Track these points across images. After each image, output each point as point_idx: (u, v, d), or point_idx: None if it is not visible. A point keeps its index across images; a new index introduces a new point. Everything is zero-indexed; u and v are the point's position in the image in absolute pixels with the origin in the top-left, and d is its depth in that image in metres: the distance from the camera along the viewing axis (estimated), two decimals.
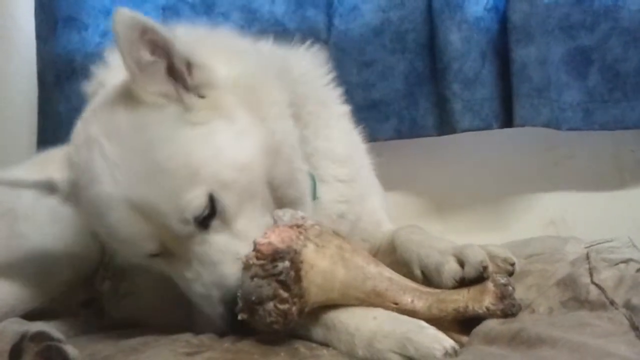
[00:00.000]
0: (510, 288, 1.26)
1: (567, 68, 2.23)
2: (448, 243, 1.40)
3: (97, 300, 1.89)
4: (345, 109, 1.75)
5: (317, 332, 1.30)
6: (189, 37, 1.45)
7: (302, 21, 2.40)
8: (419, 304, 1.26)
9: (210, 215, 1.31)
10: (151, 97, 1.31)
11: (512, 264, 1.34)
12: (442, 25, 2.24)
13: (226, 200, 1.31)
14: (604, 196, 2.40)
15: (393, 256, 1.53)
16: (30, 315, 1.68)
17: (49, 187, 1.46)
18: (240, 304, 1.24)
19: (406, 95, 2.34)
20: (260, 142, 1.38)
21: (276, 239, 1.24)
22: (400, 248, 1.50)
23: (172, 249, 1.34)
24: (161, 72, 1.32)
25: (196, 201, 1.28)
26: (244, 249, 1.28)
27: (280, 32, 2.22)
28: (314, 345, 1.27)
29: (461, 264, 1.30)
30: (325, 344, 1.27)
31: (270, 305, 1.21)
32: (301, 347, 1.26)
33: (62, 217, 1.85)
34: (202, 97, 1.35)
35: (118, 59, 1.33)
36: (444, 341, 1.13)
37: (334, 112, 1.71)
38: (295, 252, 1.23)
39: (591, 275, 1.32)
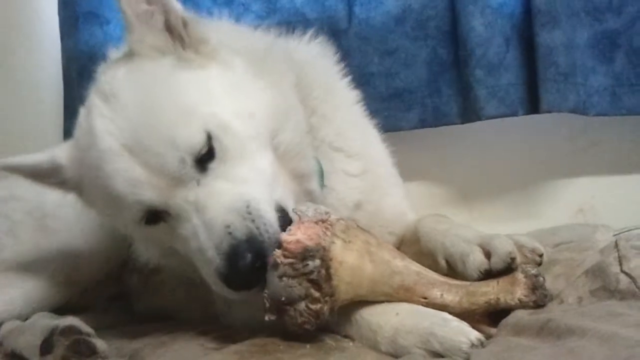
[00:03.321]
0: (541, 279, 1.25)
1: (593, 52, 2.19)
2: (474, 232, 1.38)
3: (126, 294, 1.91)
4: (356, 95, 1.71)
5: (341, 327, 1.29)
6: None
7: (323, 10, 2.38)
8: (449, 298, 1.23)
9: (208, 156, 1.29)
10: (147, 50, 1.35)
11: (541, 255, 1.32)
12: (465, 11, 2.21)
13: (226, 141, 1.29)
14: (633, 182, 2.36)
15: (417, 246, 1.51)
16: (60, 310, 1.71)
17: (51, 168, 1.45)
18: (267, 304, 1.21)
19: (429, 83, 2.32)
20: (267, 101, 1.38)
21: (303, 235, 1.21)
22: (424, 237, 1.48)
23: (170, 203, 1.30)
24: (158, 25, 1.37)
25: (193, 138, 1.27)
26: (244, 195, 1.26)
27: (301, 22, 2.22)
28: (339, 337, 1.27)
29: (487, 254, 1.28)
30: (350, 338, 1.27)
31: (301, 305, 1.19)
32: (327, 339, 1.26)
33: (89, 213, 1.87)
34: (198, 53, 1.38)
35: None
36: (469, 333, 1.11)
37: (343, 99, 1.68)
38: (325, 249, 1.20)
39: (620, 263, 1.29)
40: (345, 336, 1.28)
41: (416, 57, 2.33)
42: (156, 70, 1.35)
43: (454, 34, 2.28)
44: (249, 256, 1.20)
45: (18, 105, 2.87)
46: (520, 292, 1.22)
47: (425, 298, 1.24)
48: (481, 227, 1.44)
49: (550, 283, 1.33)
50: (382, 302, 1.26)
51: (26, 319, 1.61)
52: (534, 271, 1.25)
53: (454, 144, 2.41)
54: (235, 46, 1.44)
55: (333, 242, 1.22)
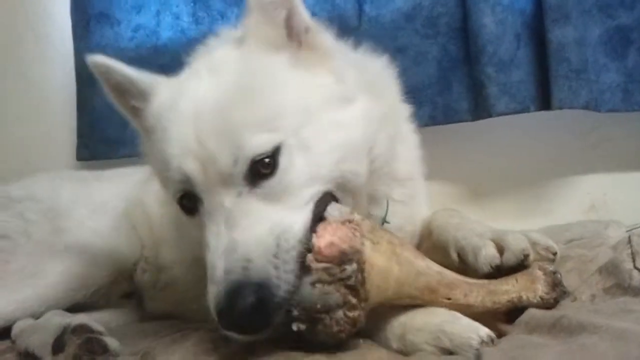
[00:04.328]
0: (559, 275, 1.23)
1: (605, 48, 2.18)
2: (487, 227, 1.37)
3: (138, 292, 1.92)
4: (409, 111, 1.66)
5: None
6: None
7: (333, 9, 2.39)
8: (472, 298, 1.19)
9: (267, 169, 1.22)
10: (262, 40, 1.34)
11: (555, 253, 1.30)
12: (476, 7, 2.20)
13: (297, 160, 1.24)
14: None
15: (429, 241, 1.51)
16: (73, 308, 1.72)
17: (144, 92, 1.42)
18: (296, 312, 1.12)
19: (440, 80, 2.31)
20: (369, 117, 1.35)
21: (334, 238, 1.13)
22: (436, 231, 1.48)
23: (207, 193, 1.25)
24: (279, 20, 1.35)
25: (259, 145, 1.21)
26: (279, 227, 1.18)
27: None
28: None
29: (500, 250, 1.27)
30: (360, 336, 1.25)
31: (339, 313, 1.10)
32: None
33: (102, 212, 1.89)
34: (311, 57, 1.36)
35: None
36: (479, 330, 1.10)
37: (404, 121, 1.63)
38: (359, 252, 1.13)
39: (634, 260, 1.28)
40: (356, 333, 1.27)
41: (426, 55, 2.32)
42: (266, 62, 1.33)
43: (465, 31, 2.27)
44: (250, 301, 1.11)
45: (30, 105, 2.90)
46: (541, 289, 1.20)
47: (449, 299, 1.19)
48: (492, 224, 1.43)
49: (563, 279, 1.32)
50: (406, 305, 1.20)
51: (39, 317, 1.62)
52: (552, 268, 1.23)
53: (465, 141, 2.40)
54: (346, 59, 1.43)
55: (363, 244, 1.15)
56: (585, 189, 2.38)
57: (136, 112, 1.46)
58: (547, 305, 1.20)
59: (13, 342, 1.57)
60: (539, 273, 1.22)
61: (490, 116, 2.21)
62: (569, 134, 2.38)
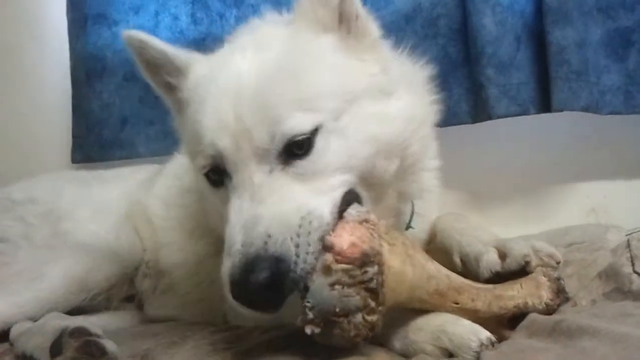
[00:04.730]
0: (563, 282, 1.24)
1: (606, 50, 2.16)
2: (492, 235, 1.39)
3: (138, 296, 1.91)
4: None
5: None
6: None
7: None
8: (479, 303, 1.18)
9: (302, 149, 1.22)
10: (314, 21, 1.33)
11: (558, 262, 1.30)
12: (475, 9, 2.20)
13: (333, 145, 1.24)
14: None
15: (432, 244, 1.53)
16: (72, 311, 1.71)
17: (178, 67, 1.43)
18: (310, 315, 1.07)
19: (439, 82, 2.30)
20: (408, 113, 1.36)
21: (353, 238, 1.09)
22: (441, 234, 1.49)
23: (236, 167, 1.23)
24: (332, 3, 1.35)
25: (298, 125, 1.21)
26: (306, 208, 1.17)
27: None
28: None
29: (503, 257, 1.28)
30: None
31: (358, 317, 1.06)
32: None
33: (103, 214, 1.88)
34: (359, 44, 1.36)
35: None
36: (479, 332, 1.11)
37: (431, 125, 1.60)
38: (379, 253, 1.09)
39: (633, 264, 1.29)
40: None
41: (426, 56, 2.32)
42: (314, 43, 1.33)
43: (465, 32, 2.26)
44: (265, 274, 1.09)
45: (25, 107, 2.89)
46: (546, 295, 1.21)
47: (457, 303, 1.18)
48: (492, 227, 1.44)
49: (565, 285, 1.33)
50: (416, 308, 1.19)
51: (38, 319, 1.62)
52: (556, 274, 1.24)
53: (465, 144, 2.39)
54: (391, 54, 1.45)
55: (382, 245, 1.11)
56: (586, 193, 2.36)
57: (170, 88, 1.46)
58: (551, 311, 1.21)
59: (11, 344, 1.56)
60: (544, 279, 1.23)
61: (490, 118, 2.20)
62: (570, 137, 2.37)
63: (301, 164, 1.23)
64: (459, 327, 1.13)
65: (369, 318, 1.07)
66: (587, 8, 2.15)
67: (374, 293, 1.07)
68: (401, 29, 2.32)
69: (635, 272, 1.25)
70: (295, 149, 1.22)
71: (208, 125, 1.26)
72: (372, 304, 1.07)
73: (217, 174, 1.29)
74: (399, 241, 1.18)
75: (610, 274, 1.30)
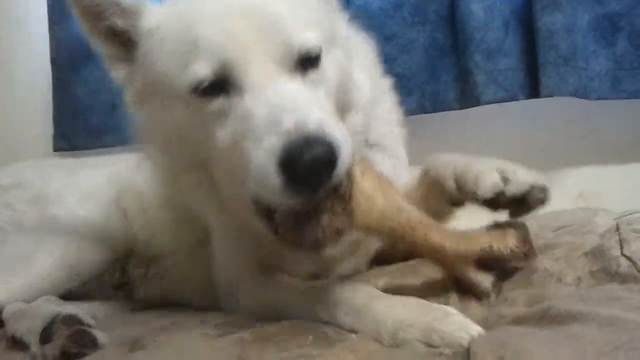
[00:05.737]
0: (528, 230, 1.29)
1: (594, 35, 2.17)
2: (493, 161, 1.37)
3: (129, 283, 1.91)
4: (389, 84, 1.71)
5: (346, 320, 1.25)
6: None
7: None
8: (447, 242, 1.24)
9: (312, 64, 1.25)
10: None
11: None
12: None
13: (330, 65, 1.30)
14: (634, 167, 2.34)
15: (419, 190, 1.53)
16: (64, 296, 1.72)
17: (127, 8, 1.35)
18: (278, 219, 1.17)
19: (427, 68, 2.31)
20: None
21: None
22: (432, 164, 1.49)
23: (250, 76, 1.19)
24: None
25: (311, 37, 1.24)
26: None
27: None
28: (342, 331, 1.25)
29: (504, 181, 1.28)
30: (353, 331, 1.24)
31: (325, 218, 1.15)
32: (330, 331, 1.24)
33: (93, 200, 1.87)
34: None
35: None
36: (470, 329, 1.10)
37: (384, 91, 1.68)
38: (351, 169, 1.19)
39: (621, 247, 1.29)
40: (350, 331, 1.25)
41: (414, 43, 2.32)
42: None
43: (453, 19, 2.26)
44: (321, 149, 1.06)
45: (3, 91, 2.84)
46: (512, 242, 1.24)
47: (426, 239, 1.24)
48: (480, 214, 1.43)
49: (550, 266, 1.33)
50: (387, 237, 1.29)
51: None
52: (522, 222, 1.29)
53: (453, 130, 2.39)
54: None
55: (355, 164, 1.21)
56: (574, 178, 2.38)
57: (113, 34, 1.37)
58: (517, 258, 1.25)
59: (3, 324, 1.57)
60: (511, 229, 1.27)
61: (478, 104, 2.21)
62: (558, 123, 2.38)
63: (315, 78, 1.25)
64: (450, 324, 1.11)
65: (335, 220, 1.16)
66: None
67: (342, 199, 1.16)
68: (389, 16, 2.32)
69: (623, 254, 1.26)
70: (307, 63, 1.24)
71: (210, 37, 1.21)
72: (339, 208, 1.16)
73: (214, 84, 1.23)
74: (372, 172, 1.27)
75: (597, 255, 1.30)
